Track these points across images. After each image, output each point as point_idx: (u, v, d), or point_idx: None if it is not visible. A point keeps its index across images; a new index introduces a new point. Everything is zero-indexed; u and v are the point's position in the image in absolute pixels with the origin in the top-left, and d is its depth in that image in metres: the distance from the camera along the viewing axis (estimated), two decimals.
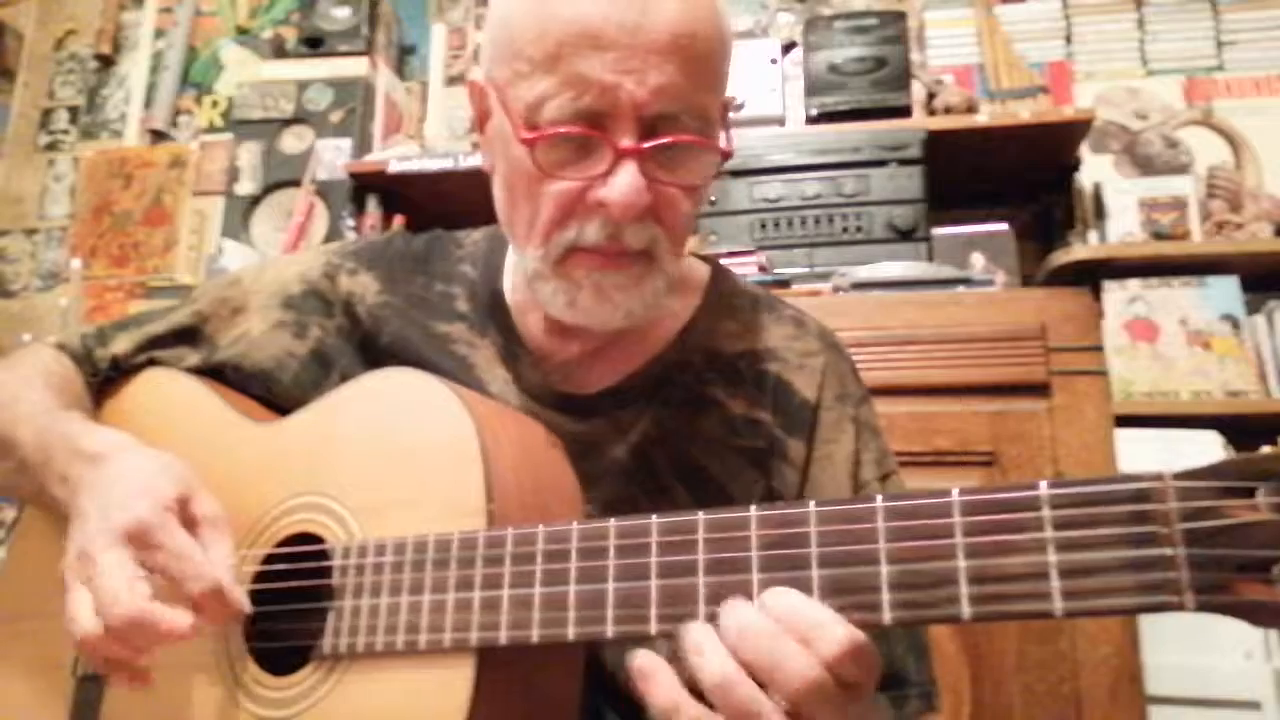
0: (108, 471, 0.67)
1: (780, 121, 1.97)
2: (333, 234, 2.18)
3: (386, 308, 0.82)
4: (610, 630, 0.54)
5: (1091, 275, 1.78)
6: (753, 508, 0.52)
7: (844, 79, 1.95)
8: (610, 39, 0.62)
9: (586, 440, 0.75)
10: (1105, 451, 1.27)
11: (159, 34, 2.66)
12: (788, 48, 2.07)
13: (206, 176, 2.45)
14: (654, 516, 0.55)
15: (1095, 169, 2.02)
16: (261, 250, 2.24)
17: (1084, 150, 1.98)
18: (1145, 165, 2.03)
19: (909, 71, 1.96)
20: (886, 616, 0.48)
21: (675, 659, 0.51)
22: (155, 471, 0.66)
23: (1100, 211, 1.94)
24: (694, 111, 0.65)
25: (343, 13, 2.35)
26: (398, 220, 2.14)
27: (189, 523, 0.65)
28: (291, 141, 2.31)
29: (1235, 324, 1.75)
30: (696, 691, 0.50)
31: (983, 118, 1.89)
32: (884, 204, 1.74)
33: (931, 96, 2.01)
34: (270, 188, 2.30)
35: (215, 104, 2.54)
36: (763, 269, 1.65)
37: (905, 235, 1.71)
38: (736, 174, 1.81)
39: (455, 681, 0.59)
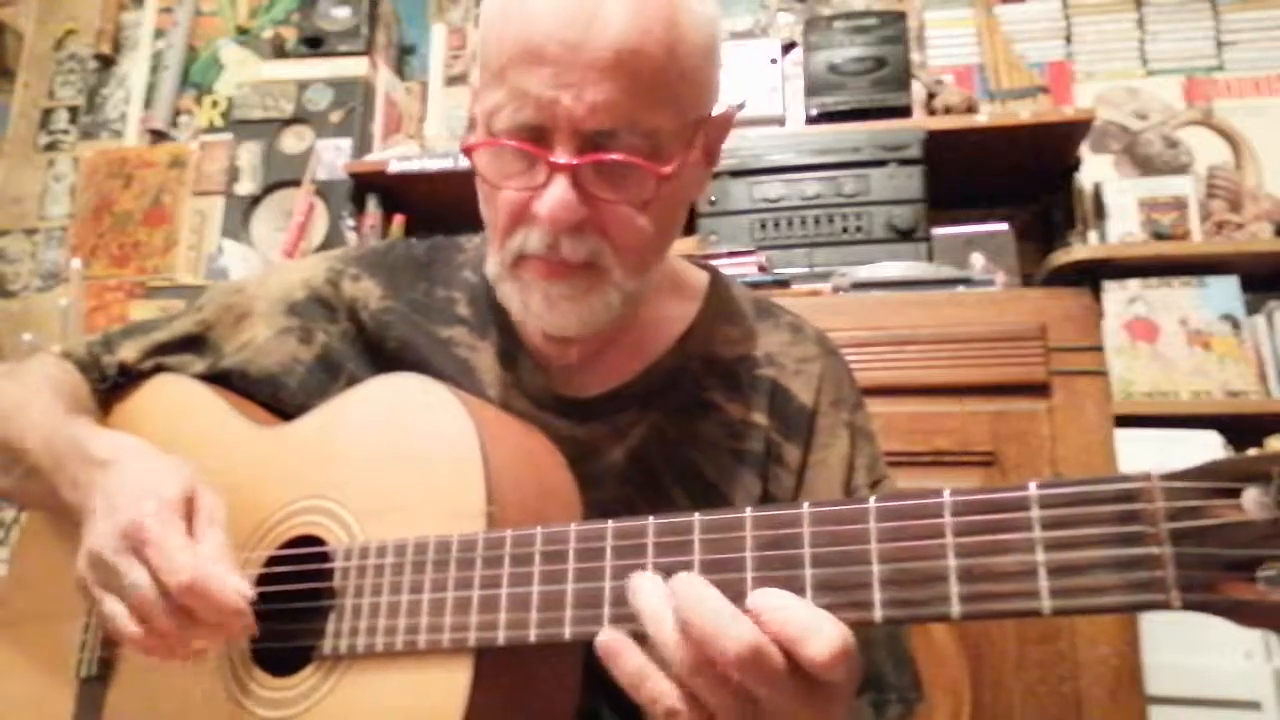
0: (116, 474, 0.68)
1: (780, 121, 1.97)
2: (333, 234, 2.18)
3: (390, 313, 0.83)
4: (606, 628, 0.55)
5: (1091, 275, 1.78)
6: (747, 509, 0.53)
7: (844, 79, 1.95)
8: (552, 55, 0.63)
9: (585, 443, 0.76)
10: (1105, 452, 1.27)
11: (159, 34, 2.66)
12: (788, 48, 2.07)
13: (206, 176, 2.46)
14: (651, 518, 0.56)
15: (1095, 169, 2.02)
16: (261, 250, 2.24)
17: (1084, 150, 1.98)
18: (1145, 165, 2.03)
19: (909, 71, 1.96)
20: (878, 614, 0.48)
21: (641, 639, 0.52)
22: (162, 473, 0.67)
23: (1100, 211, 1.94)
24: (638, 129, 0.65)
25: (343, 13, 2.35)
26: (398, 220, 2.14)
27: (188, 520, 0.65)
28: (291, 141, 2.31)
29: (1235, 324, 1.75)
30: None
31: (983, 118, 1.89)
32: (884, 204, 1.74)
33: (931, 96, 2.01)
34: (270, 188, 2.30)
35: (215, 104, 2.54)
36: (763, 269, 1.65)
37: (905, 235, 1.71)
38: (736, 174, 1.81)
39: (453, 681, 0.59)
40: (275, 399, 0.83)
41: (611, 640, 0.52)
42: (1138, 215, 1.90)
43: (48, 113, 2.68)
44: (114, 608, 0.63)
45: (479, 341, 0.81)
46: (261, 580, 0.70)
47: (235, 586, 0.61)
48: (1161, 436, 1.56)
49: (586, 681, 0.67)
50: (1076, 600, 0.45)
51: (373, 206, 2.17)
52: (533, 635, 0.57)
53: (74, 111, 2.66)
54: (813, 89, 1.96)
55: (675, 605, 0.50)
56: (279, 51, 2.50)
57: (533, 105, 0.64)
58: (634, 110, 0.64)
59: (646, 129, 0.65)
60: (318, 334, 0.84)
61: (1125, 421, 1.42)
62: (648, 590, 0.51)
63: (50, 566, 0.82)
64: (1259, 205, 1.85)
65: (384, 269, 0.86)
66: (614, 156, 0.64)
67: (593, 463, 0.75)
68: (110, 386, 0.87)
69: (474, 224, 0.91)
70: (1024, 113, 1.90)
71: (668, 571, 0.53)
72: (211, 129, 2.52)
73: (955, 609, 0.47)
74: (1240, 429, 1.62)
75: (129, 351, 0.87)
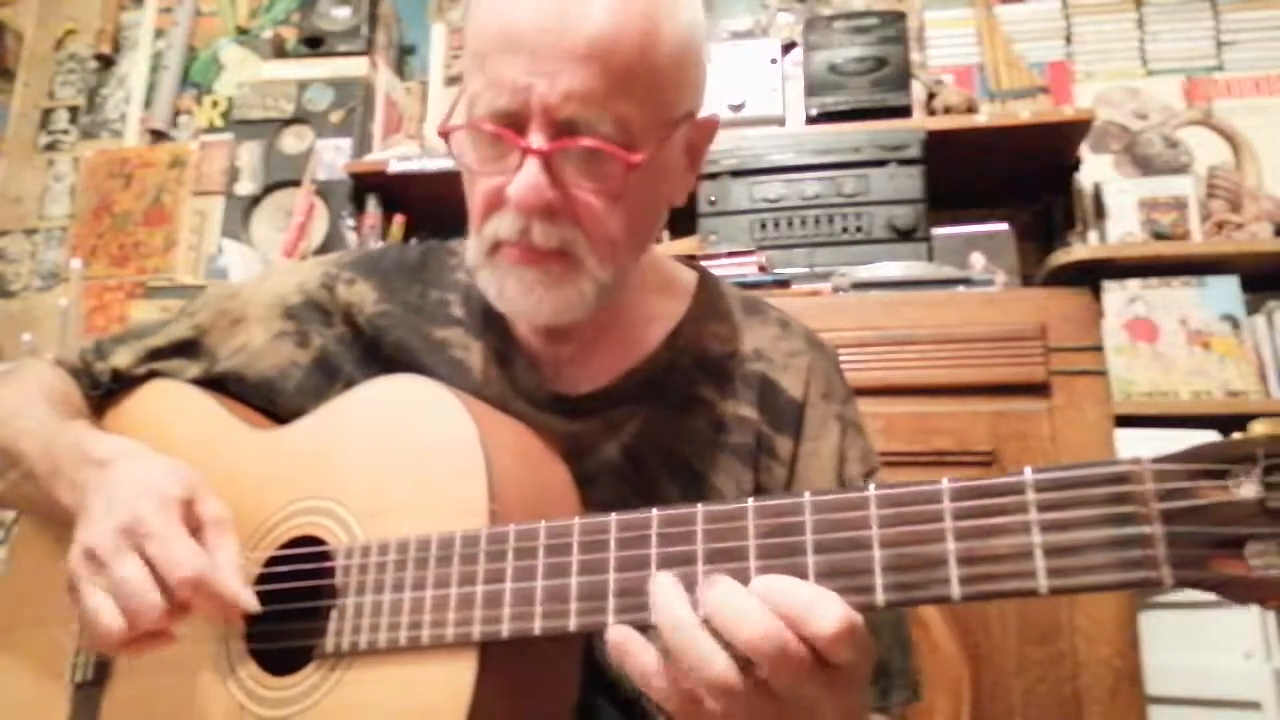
0: (115, 474, 0.68)
1: (780, 121, 1.97)
2: (333, 234, 2.18)
3: (385, 316, 0.83)
4: (611, 620, 0.56)
5: (1091, 275, 1.78)
6: (749, 500, 0.54)
7: (844, 79, 1.95)
8: (530, 43, 0.65)
9: (579, 440, 0.77)
10: (1105, 452, 1.27)
11: (159, 34, 2.66)
12: (788, 48, 2.08)
13: (206, 176, 2.45)
14: (654, 509, 0.56)
15: (1095, 169, 2.02)
16: (261, 250, 2.24)
17: (1084, 150, 1.98)
18: (1145, 165, 2.03)
19: (909, 71, 1.96)
20: (880, 598, 0.50)
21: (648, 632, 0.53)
22: (162, 473, 0.68)
23: (1100, 211, 1.94)
24: (610, 119, 0.65)
25: (343, 13, 2.35)
26: (398, 220, 2.14)
27: (194, 526, 0.66)
28: (291, 141, 2.31)
29: (1235, 324, 1.75)
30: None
31: (982, 118, 1.89)
32: (884, 204, 1.74)
33: (931, 96, 2.01)
34: (270, 188, 2.30)
35: (215, 104, 2.54)
36: (763, 269, 1.65)
37: (905, 235, 1.71)
38: (736, 174, 1.81)
39: (457, 675, 0.59)
40: (271, 403, 0.84)
41: (622, 636, 0.53)
42: (1138, 215, 1.90)
43: (48, 113, 2.68)
44: (99, 602, 0.62)
45: (473, 342, 0.81)
46: (262, 580, 0.70)
47: (244, 596, 0.63)
48: (1161, 436, 1.56)
49: (586, 677, 0.67)
50: (1072, 579, 0.46)
51: (373, 206, 2.17)
52: (537, 628, 0.58)
53: (74, 111, 2.66)
54: (813, 89, 1.96)
55: (693, 598, 0.51)
56: (279, 51, 2.50)
57: (509, 91, 0.65)
58: (606, 98, 0.65)
59: (617, 117, 0.66)
60: (314, 338, 0.84)
61: (1125, 421, 1.42)
62: (664, 583, 0.52)
63: (44, 571, 0.82)
64: (1259, 205, 1.85)
65: (378, 273, 0.87)
66: (585, 142, 0.65)
67: (588, 459, 0.76)
68: (104, 393, 0.88)
69: None
70: (1024, 113, 1.89)
71: (672, 562, 0.53)
72: (211, 129, 2.51)
73: (956, 591, 0.48)
74: (1240, 429, 1.62)
75: (122, 358, 0.88)
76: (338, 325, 0.85)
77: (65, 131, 2.65)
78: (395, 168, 2.04)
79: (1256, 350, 1.75)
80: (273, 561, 0.71)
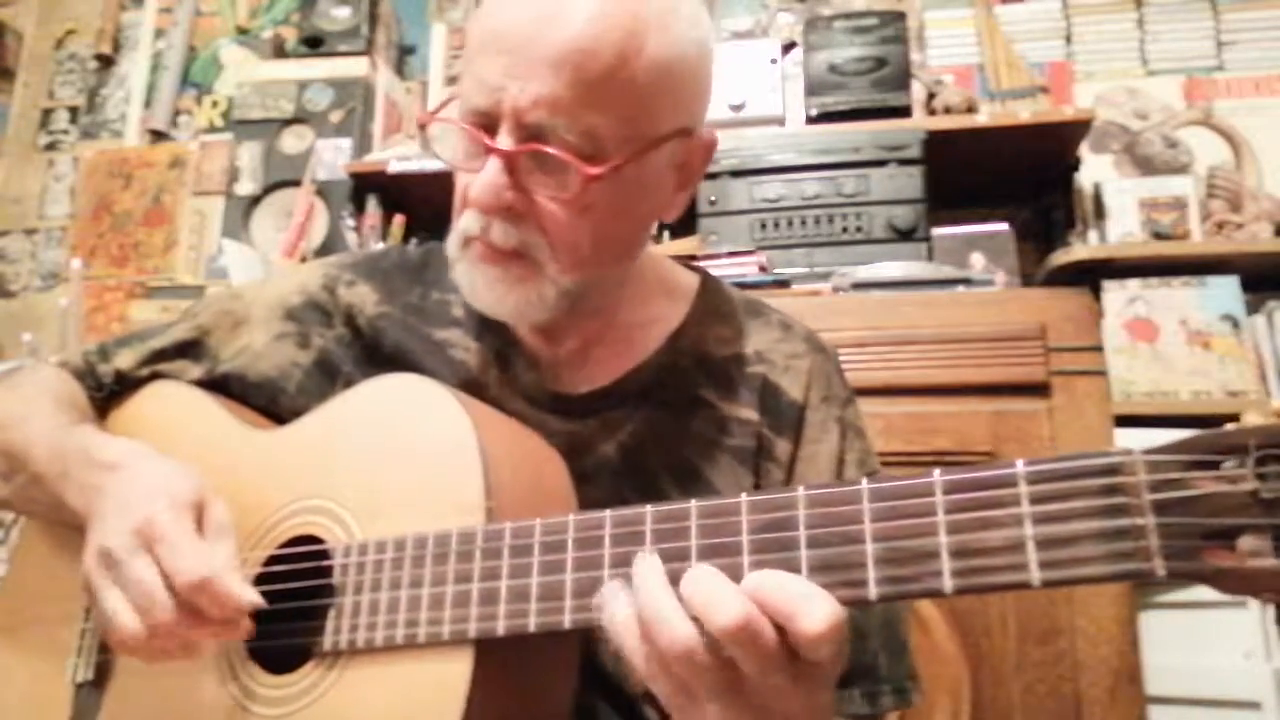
0: (125, 476, 0.69)
1: (780, 121, 1.97)
2: (333, 234, 2.18)
3: (385, 318, 0.84)
4: None
5: (1091, 275, 1.77)
6: (743, 495, 0.54)
7: (844, 79, 1.95)
8: (510, 46, 0.66)
9: (578, 439, 0.77)
10: None
11: (159, 34, 2.66)
12: (788, 48, 2.07)
13: (206, 176, 2.46)
14: (649, 506, 0.56)
15: (1095, 169, 2.02)
16: (261, 250, 2.24)
17: (1084, 150, 1.98)
18: (1145, 165, 2.03)
19: (909, 71, 1.96)
20: (872, 592, 0.50)
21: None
22: (173, 475, 0.68)
23: (1100, 211, 1.94)
24: (577, 128, 0.66)
25: (343, 13, 2.35)
26: (398, 220, 2.14)
27: (199, 525, 0.66)
28: (291, 141, 2.31)
29: (1235, 324, 1.75)
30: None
31: (982, 118, 1.89)
32: (884, 204, 1.74)
33: (931, 96, 2.01)
34: (270, 188, 2.30)
35: (215, 104, 2.54)
36: (763, 269, 1.65)
37: (905, 235, 1.71)
38: (736, 174, 1.81)
39: (453, 673, 0.60)
40: (273, 403, 0.84)
41: (611, 591, 0.54)
42: (1138, 215, 1.90)
43: (48, 113, 2.68)
44: (116, 603, 0.63)
45: (473, 342, 0.82)
46: (261, 579, 0.70)
47: (247, 594, 0.63)
48: (1161, 437, 1.55)
49: (582, 676, 0.67)
50: (1065, 571, 0.46)
51: (373, 206, 2.17)
52: (533, 625, 0.58)
53: (74, 111, 2.66)
54: (813, 89, 1.96)
55: (670, 585, 0.51)
56: (279, 51, 2.50)
57: (486, 91, 0.67)
58: (574, 107, 0.65)
59: (585, 127, 0.66)
60: (314, 339, 0.85)
61: (1125, 421, 1.42)
62: (645, 562, 0.53)
63: (46, 572, 0.83)
64: (1259, 205, 1.85)
65: (379, 274, 0.87)
66: (548, 149, 0.66)
67: (586, 458, 0.76)
68: (107, 395, 0.88)
69: None
70: (1024, 113, 1.89)
71: (665, 558, 0.53)
72: (211, 129, 2.52)
73: (948, 584, 0.48)
74: None
75: (125, 360, 0.88)
76: (338, 326, 0.85)
77: (65, 131, 2.65)
78: (395, 168, 2.04)
79: (1256, 350, 1.75)
80: (272, 561, 0.71)
